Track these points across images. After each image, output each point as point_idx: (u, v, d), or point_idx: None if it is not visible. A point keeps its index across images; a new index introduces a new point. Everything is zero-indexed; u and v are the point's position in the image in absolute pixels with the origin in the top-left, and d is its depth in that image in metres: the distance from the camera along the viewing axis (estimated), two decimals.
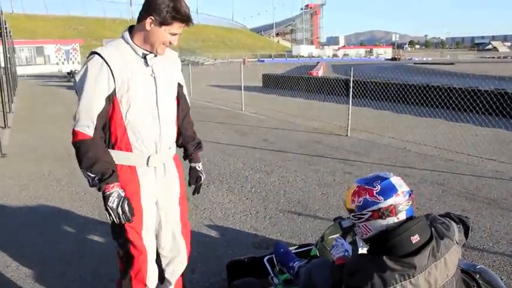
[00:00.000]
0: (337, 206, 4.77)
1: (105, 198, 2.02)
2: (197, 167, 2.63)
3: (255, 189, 5.42)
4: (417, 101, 12.23)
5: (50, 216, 4.68)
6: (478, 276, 2.07)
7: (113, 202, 2.01)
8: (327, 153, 7.22)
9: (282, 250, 2.83)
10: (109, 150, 2.12)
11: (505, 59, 66.22)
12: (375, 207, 1.70)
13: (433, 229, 1.74)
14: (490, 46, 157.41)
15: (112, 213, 2.02)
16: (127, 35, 2.13)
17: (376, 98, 14.04)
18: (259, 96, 17.20)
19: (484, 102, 10.23)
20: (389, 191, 1.71)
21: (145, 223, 2.23)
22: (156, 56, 2.14)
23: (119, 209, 2.02)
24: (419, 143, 7.87)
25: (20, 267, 3.51)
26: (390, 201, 1.69)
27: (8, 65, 17.59)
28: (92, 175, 2.00)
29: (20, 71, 37.82)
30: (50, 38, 59.22)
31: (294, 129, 9.69)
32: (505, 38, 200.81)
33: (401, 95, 12.65)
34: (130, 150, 2.13)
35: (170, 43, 2.12)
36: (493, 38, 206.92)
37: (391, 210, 1.69)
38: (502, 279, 2.50)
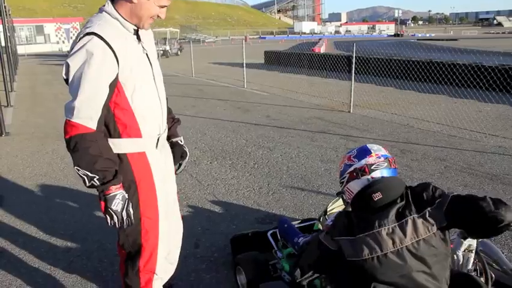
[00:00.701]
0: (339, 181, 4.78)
1: (107, 201, 1.85)
2: (179, 141, 2.40)
3: (258, 165, 5.44)
4: (420, 77, 12.14)
5: (55, 193, 4.71)
6: (479, 249, 2.09)
7: (117, 205, 1.86)
8: (330, 130, 7.22)
9: (285, 225, 2.85)
10: (117, 139, 1.95)
11: (510, 34, 65.41)
12: (351, 169, 1.91)
13: (408, 191, 1.80)
14: (494, 21, 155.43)
15: (116, 216, 1.87)
16: (112, 9, 1.89)
17: (379, 74, 13.96)
18: (262, 73, 17.10)
19: (488, 78, 10.15)
20: (363, 153, 1.91)
21: (160, 210, 2.13)
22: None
23: (124, 213, 1.89)
24: (422, 119, 7.85)
25: (26, 243, 3.55)
26: (363, 161, 1.88)
27: (8, 44, 17.48)
28: (91, 175, 1.80)
29: (21, 50, 37.60)
30: (49, 16, 58.78)
31: (297, 105, 9.66)
32: (510, 13, 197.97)
33: (404, 71, 12.57)
34: (140, 136, 1.98)
35: (158, 16, 1.95)
36: (498, 13, 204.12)
37: (364, 169, 1.86)
38: (503, 253, 2.53)
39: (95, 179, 1.81)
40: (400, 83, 11.67)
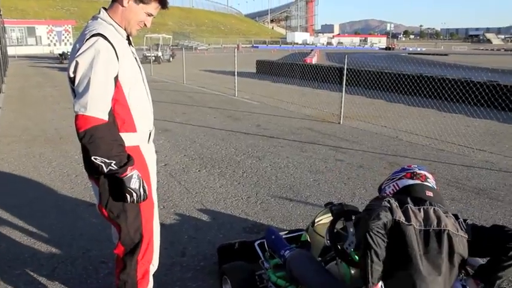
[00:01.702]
0: (328, 192, 4.79)
1: (125, 181, 1.98)
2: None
3: (246, 175, 5.43)
4: (410, 90, 12.25)
5: (41, 198, 4.65)
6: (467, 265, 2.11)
7: (135, 183, 2.00)
8: (319, 140, 7.24)
9: (273, 236, 2.85)
10: None
11: (498, 51, 66.41)
12: (410, 171, 2.13)
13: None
14: (483, 38, 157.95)
15: (135, 194, 2.01)
16: (107, 16, 2.10)
17: (369, 87, 14.07)
18: (253, 82, 17.14)
19: (477, 93, 10.27)
20: (424, 168, 2.18)
21: (154, 200, 2.32)
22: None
23: (141, 189, 2.03)
24: (411, 132, 7.91)
25: (10, 248, 3.50)
26: (423, 172, 2.12)
27: None
28: (108, 161, 1.93)
29: (11, 51, 37.28)
30: (41, 18, 58.50)
31: (287, 115, 9.68)
32: (498, 31, 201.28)
33: (394, 84, 12.68)
34: (135, 130, 2.15)
35: (145, 25, 2.16)
36: (487, 30, 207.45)
37: (422, 176, 2.08)
38: None
39: (112, 164, 1.94)
40: (390, 96, 11.77)
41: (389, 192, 2.11)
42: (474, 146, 6.82)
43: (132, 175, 2.00)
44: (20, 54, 40.53)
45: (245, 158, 6.18)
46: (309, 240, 2.74)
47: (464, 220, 1.95)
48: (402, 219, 1.83)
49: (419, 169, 2.13)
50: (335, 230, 2.54)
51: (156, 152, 2.49)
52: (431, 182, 2.08)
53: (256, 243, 2.97)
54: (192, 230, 3.84)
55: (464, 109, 9.38)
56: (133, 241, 2.21)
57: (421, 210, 1.88)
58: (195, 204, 4.45)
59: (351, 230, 2.20)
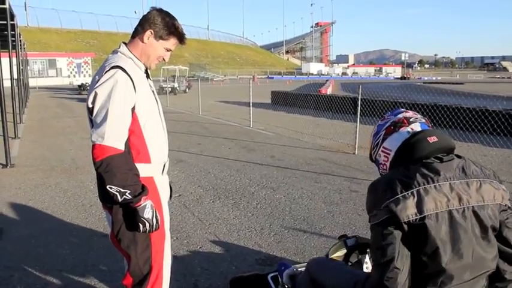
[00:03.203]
0: (342, 224, 4.73)
1: (138, 211, 2.01)
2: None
3: (260, 206, 5.40)
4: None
5: (55, 228, 4.68)
6: None
7: (148, 213, 2.03)
8: (334, 171, 7.19)
9: (283, 268, 2.82)
10: None
11: None
12: (386, 125, 1.77)
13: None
14: (499, 66, 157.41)
15: (148, 223, 2.03)
16: (126, 50, 2.19)
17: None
18: (268, 113, 17.25)
19: (493, 122, 10.18)
20: (397, 111, 1.82)
21: (166, 232, 2.32)
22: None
23: (154, 219, 2.06)
24: None
25: (22, 278, 3.50)
26: (400, 116, 1.77)
27: (21, 77, 17.85)
28: (123, 190, 1.96)
29: (32, 82, 38.37)
30: (62, 51, 60.33)
31: (302, 146, 9.68)
32: None
33: None
34: (149, 162, 2.18)
35: (163, 59, 2.26)
36: (503, 58, 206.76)
37: (403, 121, 1.72)
38: None
39: (127, 193, 1.97)
40: None
41: (383, 162, 1.76)
42: None
43: (145, 205, 2.02)
44: (41, 85, 41.64)
45: (259, 189, 6.16)
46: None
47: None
48: (412, 216, 1.49)
49: (393, 114, 1.80)
50: (349, 263, 2.51)
51: (172, 182, 2.50)
52: (417, 119, 1.73)
53: (269, 276, 2.93)
54: (204, 261, 3.81)
55: (480, 138, 9.26)
56: (142, 272, 2.20)
57: (436, 187, 1.51)
58: (208, 236, 4.42)
59: (365, 263, 2.16)
